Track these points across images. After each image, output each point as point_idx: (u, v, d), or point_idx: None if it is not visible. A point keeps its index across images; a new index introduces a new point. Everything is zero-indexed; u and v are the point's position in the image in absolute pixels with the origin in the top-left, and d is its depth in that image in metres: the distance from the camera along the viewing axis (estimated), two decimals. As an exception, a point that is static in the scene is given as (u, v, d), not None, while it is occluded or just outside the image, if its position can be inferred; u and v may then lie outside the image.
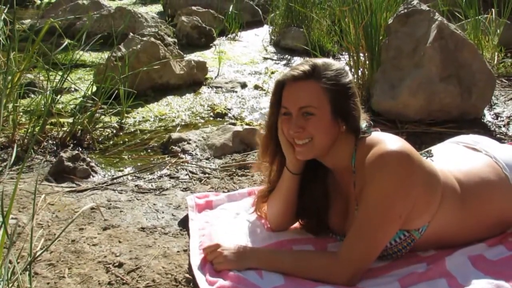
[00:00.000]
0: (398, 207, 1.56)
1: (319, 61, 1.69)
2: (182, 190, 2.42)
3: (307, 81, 1.64)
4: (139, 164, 2.75)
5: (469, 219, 1.71)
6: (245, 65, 4.79)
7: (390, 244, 1.65)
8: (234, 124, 3.20)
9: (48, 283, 1.67)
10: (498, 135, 2.92)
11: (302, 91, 1.65)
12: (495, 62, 4.05)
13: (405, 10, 3.24)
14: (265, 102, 3.73)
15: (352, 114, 1.67)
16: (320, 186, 1.84)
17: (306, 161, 1.77)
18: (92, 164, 2.63)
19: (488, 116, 3.23)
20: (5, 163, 2.59)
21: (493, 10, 4.24)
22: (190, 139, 2.94)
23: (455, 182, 1.69)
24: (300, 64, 1.70)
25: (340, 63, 1.75)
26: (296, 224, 1.97)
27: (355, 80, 3.54)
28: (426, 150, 1.88)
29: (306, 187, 1.84)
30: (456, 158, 1.85)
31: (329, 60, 1.72)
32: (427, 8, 3.23)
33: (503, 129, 3.05)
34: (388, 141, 1.61)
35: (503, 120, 3.17)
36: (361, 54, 3.50)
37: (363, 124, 1.72)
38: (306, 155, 1.70)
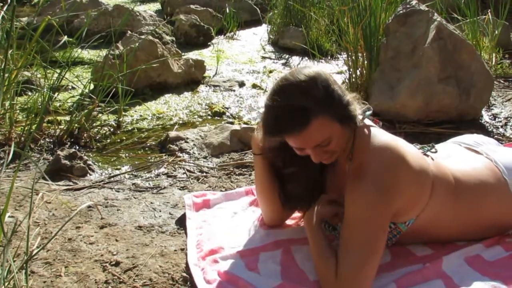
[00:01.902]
0: (380, 222, 1.52)
1: (299, 91, 1.49)
2: (180, 189, 2.41)
3: (308, 126, 1.48)
4: (136, 162, 2.74)
5: (462, 218, 1.70)
6: (243, 64, 4.78)
7: None
8: (232, 123, 3.20)
9: (44, 282, 1.66)
10: (496, 136, 2.92)
11: (308, 137, 1.50)
12: (493, 63, 4.06)
13: (404, 10, 3.24)
14: (263, 101, 3.72)
15: (348, 108, 1.57)
16: (315, 170, 1.77)
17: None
18: (89, 162, 2.62)
19: (486, 117, 3.24)
20: (1, 161, 2.58)
21: (490, 11, 4.25)
22: (187, 138, 2.93)
23: (450, 178, 1.67)
24: (283, 111, 1.50)
25: (308, 72, 1.53)
26: (293, 223, 1.97)
27: (353, 80, 3.54)
28: (429, 144, 1.84)
29: (304, 171, 1.76)
30: (457, 158, 1.84)
31: (302, 78, 1.51)
32: (426, 9, 3.23)
33: (501, 129, 3.05)
34: (378, 153, 1.55)
35: (500, 121, 3.18)
36: (360, 54, 3.50)
37: (358, 107, 1.62)
38: (332, 161, 1.63)
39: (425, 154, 1.71)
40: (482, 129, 3.03)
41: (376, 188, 1.51)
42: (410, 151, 1.62)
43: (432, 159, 1.70)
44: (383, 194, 1.52)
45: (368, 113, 1.66)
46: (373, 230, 1.52)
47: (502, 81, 3.87)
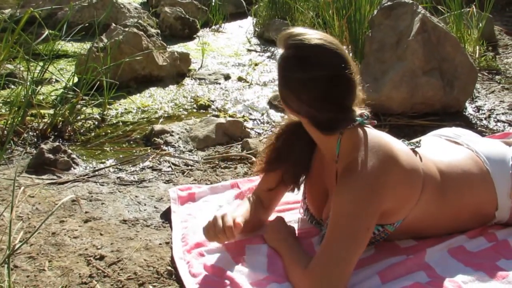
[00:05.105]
0: (365, 220, 1.50)
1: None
2: (165, 182, 2.41)
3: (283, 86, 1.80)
4: (121, 156, 2.72)
5: (447, 211, 1.71)
6: (229, 57, 4.77)
7: None
8: (217, 116, 3.19)
9: (28, 276, 1.65)
10: (479, 128, 2.95)
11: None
12: (477, 55, 4.08)
13: (389, 3, 3.24)
14: (249, 94, 3.72)
15: (326, 114, 1.60)
16: (305, 147, 1.80)
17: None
18: (73, 156, 2.60)
19: (469, 109, 3.26)
20: (-16, 155, 2.55)
21: (475, 4, 4.28)
22: (173, 131, 2.92)
23: (436, 172, 1.67)
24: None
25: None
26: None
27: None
28: (414, 140, 1.85)
29: (293, 142, 1.80)
30: (439, 150, 1.85)
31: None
32: (410, 1, 3.24)
33: (484, 122, 3.08)
34: (370, 152, 1.53)
35: (484, 113, 3.21)
36: (345, 47, 3.50)
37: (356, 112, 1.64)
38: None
39: (413, 151, 1.69)
40: (466, 121, 3.06)
41: (366, 186, 1.50)
42: (403, 151, 1.60)
43: (421, 158, 1.67)
44: (372, 192, 1.50)
45: (359, 119, 1.61)
46: (357, 227, 1.49)
47: (485, 74, 3.91)
